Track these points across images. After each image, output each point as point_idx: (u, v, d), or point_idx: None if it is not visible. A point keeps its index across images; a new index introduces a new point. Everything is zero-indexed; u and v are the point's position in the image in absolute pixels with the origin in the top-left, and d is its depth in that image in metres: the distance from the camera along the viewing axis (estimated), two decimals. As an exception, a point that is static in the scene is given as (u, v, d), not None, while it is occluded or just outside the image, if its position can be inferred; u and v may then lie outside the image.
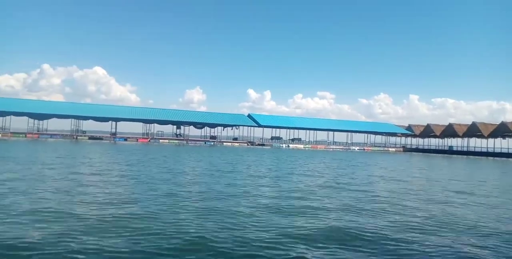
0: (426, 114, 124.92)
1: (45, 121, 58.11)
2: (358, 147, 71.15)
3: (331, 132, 73.06)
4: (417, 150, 73.06)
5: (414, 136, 77.34)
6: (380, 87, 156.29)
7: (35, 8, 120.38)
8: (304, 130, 71.75)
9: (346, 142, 74.31)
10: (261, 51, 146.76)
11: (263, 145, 64.56)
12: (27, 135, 52.72)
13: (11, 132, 52.56)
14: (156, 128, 64.91)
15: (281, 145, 66.16)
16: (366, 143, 75.12)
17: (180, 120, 64.00)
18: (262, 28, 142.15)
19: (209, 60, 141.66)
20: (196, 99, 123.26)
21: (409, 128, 77.43)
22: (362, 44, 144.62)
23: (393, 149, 72.65)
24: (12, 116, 55.17)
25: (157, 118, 62.52)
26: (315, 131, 72.48)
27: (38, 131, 56.58)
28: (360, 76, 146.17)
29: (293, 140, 71.21)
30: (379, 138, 77.65)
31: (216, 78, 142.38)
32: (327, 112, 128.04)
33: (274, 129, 70.51)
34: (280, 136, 71.55)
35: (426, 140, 75.71)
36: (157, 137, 62.60)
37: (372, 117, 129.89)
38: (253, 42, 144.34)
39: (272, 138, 70.75)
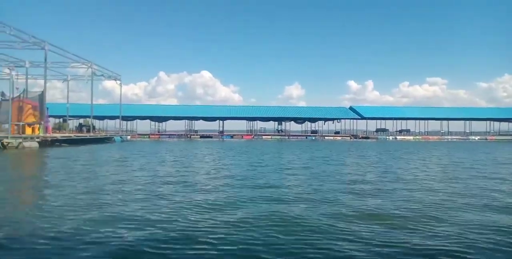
0: None
1: (163, 123, 65.42)
2: (478, 137, 63.33)
3: (444, 121, 66.48)
4: (557, 138, 61.87)
5: (553, 121, 65.66)
6: (504, 67, 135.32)
7: (149, 22, 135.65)
8: (413, 120, 66.78)
9: (464, 132, 66.85)
10: (359, 39, 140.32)
11: (367, 138, 61.99)
12: (150, 136, 59.85)
13: (138, 134, 60.32)
14: (258, 125, 67.65)
15: (387, 137, 62.67)
16: (489, 132, 66.44)
17: (280, 116, 65.48)
18: (357, 15, 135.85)
19: (305, 55, 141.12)
20: (295, 94, 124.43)
21: (545, 112, 66.07)
22: (474, 19, 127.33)
23: (525, 138, 62.71)
24: (137, 120, 63.55)
25: (259, 116, 65.09)
26: (425, 121, 66.85)
27: (158, 132, 63.94)
28: (477, 56, 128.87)
29: (400, 131, 66.84)
30: (505, 126, 67.98)
31: (314, 72, 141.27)
32: (439, 100, 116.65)
33: (378, 121, 67.16)
34: (386, 128, 67.80)
35: None
36: (260, 133, 65.06)
37: (495, 101, 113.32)
38: (348, 32, 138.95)
39: (377, 130, 67.44)
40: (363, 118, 64.53)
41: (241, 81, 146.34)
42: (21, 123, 27.71)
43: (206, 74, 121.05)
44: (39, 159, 17.68)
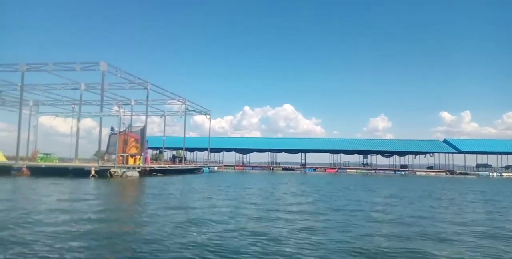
0: None
1: (247, 155, 67.56)
2: None
3: None
4: None
5: None
6: None
7: (234, 62, 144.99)
8: (523, 156, 58.80)
9: None
10: (452, 66, 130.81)
11: (466, 174, 56.00)
12: (235, 168, 62.00)
13: (224, 165, 62.97)
14: (342, 158, 65.83)
15: (490, 174, 55.81)
16: None
17: (366, 149, 63.01)
18: (448, 40, 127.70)
19: (391, 85, 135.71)
20: (380, 126, 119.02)
21: None
22: None
23: None
24: (224, 151, 66.68)
25: (343, 148, 63.45)
26: (539, 156, 58.40)
27: (243, 163, 66.03)
28: None
29: (507, 167, 59.15)
30: None
31: (401, 103, 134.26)
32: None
33: (479, 156, 60.53)
34: (489, 163, 60.63)
35: None
36: (344, 167, 63.03)
37: None
38: (439, 62, 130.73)
39: (478, 165, 60.65)
40: (460, 152, 58.85)
41: (323, 113, 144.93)
42: (125, 155, 31.08)
43: (288, 107, 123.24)
44: (140, 187, 19.57)
